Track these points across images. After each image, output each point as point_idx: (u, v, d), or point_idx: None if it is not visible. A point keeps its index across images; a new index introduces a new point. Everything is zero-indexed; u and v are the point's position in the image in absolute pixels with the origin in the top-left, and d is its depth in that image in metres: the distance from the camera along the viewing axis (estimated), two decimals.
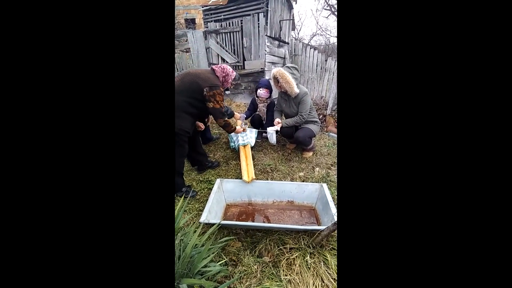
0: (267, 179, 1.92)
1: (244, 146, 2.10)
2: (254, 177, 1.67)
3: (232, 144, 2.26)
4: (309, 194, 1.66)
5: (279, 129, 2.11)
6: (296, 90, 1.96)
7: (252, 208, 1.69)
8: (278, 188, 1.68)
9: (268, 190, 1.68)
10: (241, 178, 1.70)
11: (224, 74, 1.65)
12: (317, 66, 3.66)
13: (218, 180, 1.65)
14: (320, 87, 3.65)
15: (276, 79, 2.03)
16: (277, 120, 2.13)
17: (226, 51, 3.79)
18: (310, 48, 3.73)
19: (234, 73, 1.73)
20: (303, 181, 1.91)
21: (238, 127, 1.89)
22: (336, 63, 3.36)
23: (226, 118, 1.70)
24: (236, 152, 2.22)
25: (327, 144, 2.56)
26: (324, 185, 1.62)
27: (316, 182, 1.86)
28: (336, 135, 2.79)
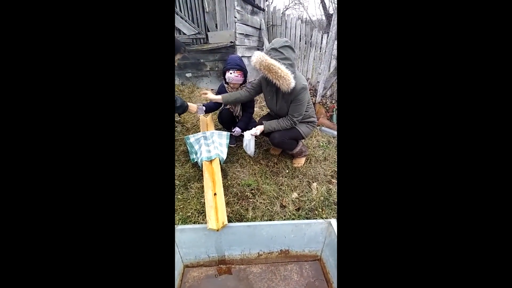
0: (247, 210, 1.31)
1: (211, 161, 1.41)
2: (226, 222, 1.03)
3: (192, 156, 1.55)
4: (312, 237, 1.12)
5: (258, 133, 1.46)
6: (292, 85, 1.29)
7: (226, 268, 1.09)
8: (265, 232, 1.09)
9: (250, 237, 1.08)
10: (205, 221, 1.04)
11: None
12: (300, 40, 2.95)
13: None
14: (305, 66, 2.98)
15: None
16: (256, 128, 1.47)
17: (182, 18, 2.83)
18: (292, 18, 2.97)
19: None
20: (298, 208, 1.34)
21: None
22: (323, 37, 2.70)
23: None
24: (199, 169, 1.52)
25: (321, 144, 1.99)
26: (333, 221, 1.08)
27: (316, 207, 1.33)
28: (330, 130, 2.23)
